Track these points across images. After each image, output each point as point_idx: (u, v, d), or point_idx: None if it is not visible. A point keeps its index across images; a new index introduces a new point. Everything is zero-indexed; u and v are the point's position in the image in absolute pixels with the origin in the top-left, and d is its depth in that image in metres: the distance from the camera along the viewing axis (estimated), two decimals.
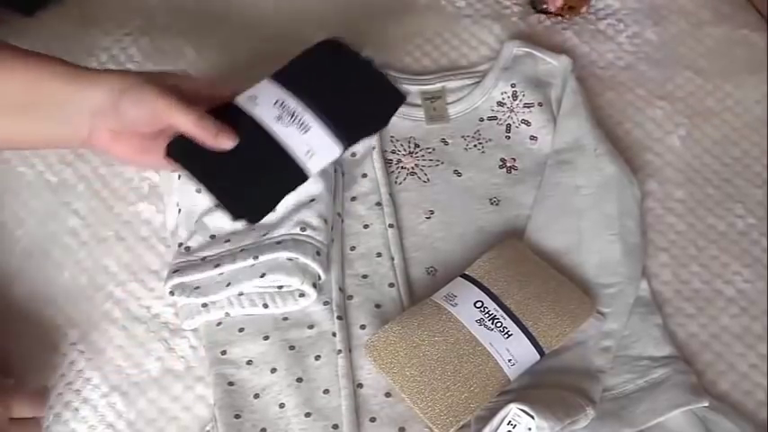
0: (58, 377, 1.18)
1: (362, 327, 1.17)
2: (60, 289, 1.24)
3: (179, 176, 1.26)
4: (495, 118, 1.33)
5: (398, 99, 1.14)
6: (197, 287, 1.18)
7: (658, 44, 1.47)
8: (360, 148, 1.30)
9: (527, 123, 1.32)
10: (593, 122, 1.31)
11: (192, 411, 1.16)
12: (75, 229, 1.28)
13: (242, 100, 1.11)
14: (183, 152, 1.07)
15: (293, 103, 1.09)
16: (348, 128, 1.10)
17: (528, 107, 1.33)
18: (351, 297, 1.20)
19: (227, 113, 1.08)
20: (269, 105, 1.10)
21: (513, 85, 1.35)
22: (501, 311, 1.11)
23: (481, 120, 1.34)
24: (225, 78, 1.41)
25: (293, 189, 1.09)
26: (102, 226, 1.29)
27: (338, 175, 1.27)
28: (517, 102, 1.33)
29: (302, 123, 1.09)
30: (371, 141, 1.30)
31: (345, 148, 1.10)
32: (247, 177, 1.07)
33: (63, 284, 1.24)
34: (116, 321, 1.22)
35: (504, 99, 1.34)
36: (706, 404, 1.11)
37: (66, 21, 1.46)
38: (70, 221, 1.29)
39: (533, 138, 1.31)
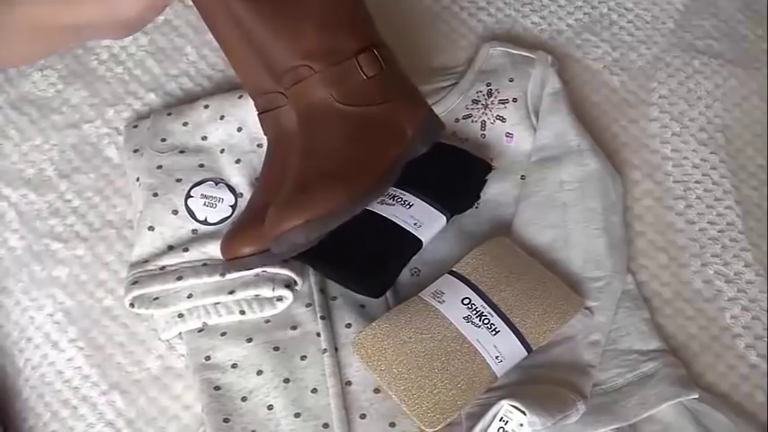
0: (55, 374, 1.19)
1: (348, 325, 1.17)
2: (60, 285, 1.25)
3: (137, 179, 1.27)
4: (469, 116, 1.32)
5: (486, 169, 1.26)
6: (155, 298, 1.18)
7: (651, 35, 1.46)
8: None
9: (502, 120, 1.31)
10: (575, 118, 1.30)
11: (192, 410, 1.16)
12: (77, 226, 1.29)
13: None
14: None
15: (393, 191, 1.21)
16: (446, 198, 1.22)
17: (503, 103, 1.32)
18: (335, 297, 1.20)
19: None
20: None
21: (488, 84, 1.34)
22: (488, 308, 1.11)
23: (456, 120, 1.33)
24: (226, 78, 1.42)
25: (411, 257, 1.20)
26: (103, 223, 1.29)
27: None
28: (492, 98, 1.32)
29: (405, 202, 1.20)
30: None
31: (449, 217, 1.21)
32: (375, 255, 1.18)
33: (63, 281, 1.25)
34: (117, 318, 1.22)
35: (479, 97, 1.33)
36: (696, 396, 1.11)
37: None
38: (71, 218, 1.30)
39: (509, 135, 1.30)
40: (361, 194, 1.12)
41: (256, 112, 1.23)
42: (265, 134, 1.24)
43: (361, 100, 1.15)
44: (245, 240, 1.14)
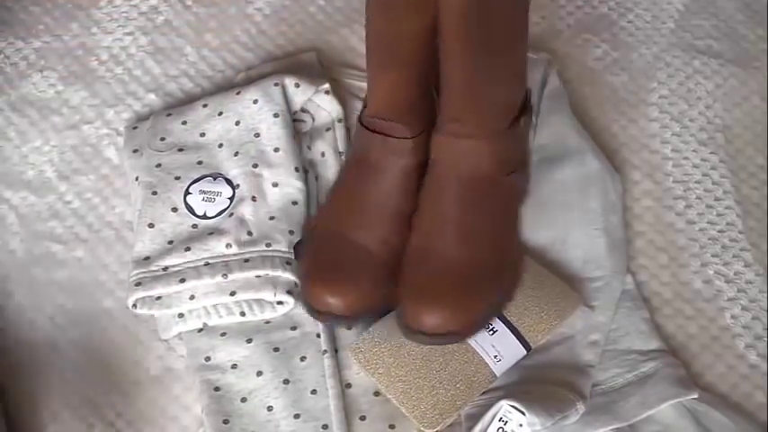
0: (55, 375, 1.19)
1: (348, 327, 1.17)
2: (60, 287, 1.24)
3: (136, 178, 1.27)
4: None
5: None
6: (158, 297, 1.18)
7: (651, 35, 1.46)
8: (330, 149, 1.29)
9: None
10: (575, 118, 1.30)
11: (191, 411, 1.16)
12: (77, 227, 1.29)
13: None
14: None
15: None
16: None
17: None
18: None
19: None
20: None
21: None
22: None
23: None
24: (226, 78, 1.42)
25: None
26: (103, 225, 1.29)
27: (310, 176, 1.27)
28: None
29: None
30: (339, 144, 1.30)
31: None
32: None
33: (63, 283, 1.25)
34: (116, 320, 1.22)
35: None
36: (695, 396, 1.11)
37: (67, 20, 1.47)
38: (71, 220, 1.30)
39: None
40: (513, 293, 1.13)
41: (357, 120, 1.18)
42: (352, 146, 1.20)
43: (513, 165, 1.12)
44: (330, 289, 1.11)
